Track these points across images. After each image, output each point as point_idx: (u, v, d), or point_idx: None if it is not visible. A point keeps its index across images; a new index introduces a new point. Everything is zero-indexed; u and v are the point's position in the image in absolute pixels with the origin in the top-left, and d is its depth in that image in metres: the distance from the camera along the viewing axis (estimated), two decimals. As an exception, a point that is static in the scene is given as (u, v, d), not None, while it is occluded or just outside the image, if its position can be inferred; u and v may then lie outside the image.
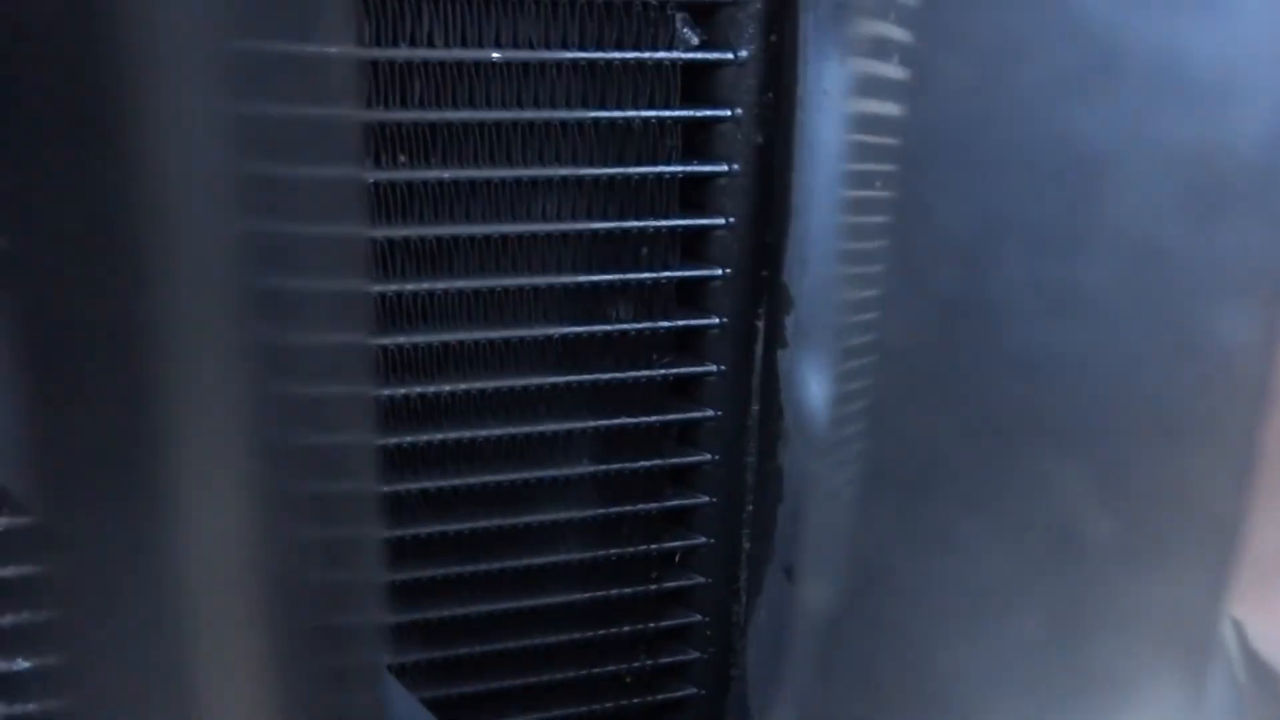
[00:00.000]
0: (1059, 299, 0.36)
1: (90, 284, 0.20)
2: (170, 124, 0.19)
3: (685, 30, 0.57)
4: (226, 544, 0.24)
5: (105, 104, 0.19)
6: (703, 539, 0.65)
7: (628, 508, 0.63)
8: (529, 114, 0.54)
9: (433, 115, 0.53)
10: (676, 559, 0.66)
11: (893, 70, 0.42)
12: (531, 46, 0.54)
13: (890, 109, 0.43)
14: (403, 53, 0.51)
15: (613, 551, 0.64)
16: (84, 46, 0.18)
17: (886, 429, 0.46)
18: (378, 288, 0.54)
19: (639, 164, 0.57)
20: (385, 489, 0.58)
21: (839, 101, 0.49)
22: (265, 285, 0.24)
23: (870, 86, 0.45)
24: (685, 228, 0.59)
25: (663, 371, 0.61)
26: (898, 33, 0.41)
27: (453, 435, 0.58)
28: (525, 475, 0.60)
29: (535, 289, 0.58)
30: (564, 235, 0.57)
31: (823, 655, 0.50)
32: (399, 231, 0.54)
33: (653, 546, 0.65)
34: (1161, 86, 0.33)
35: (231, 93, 0.20)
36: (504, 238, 0.56)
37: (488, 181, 0.55)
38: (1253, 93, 0.32)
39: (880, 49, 0.43)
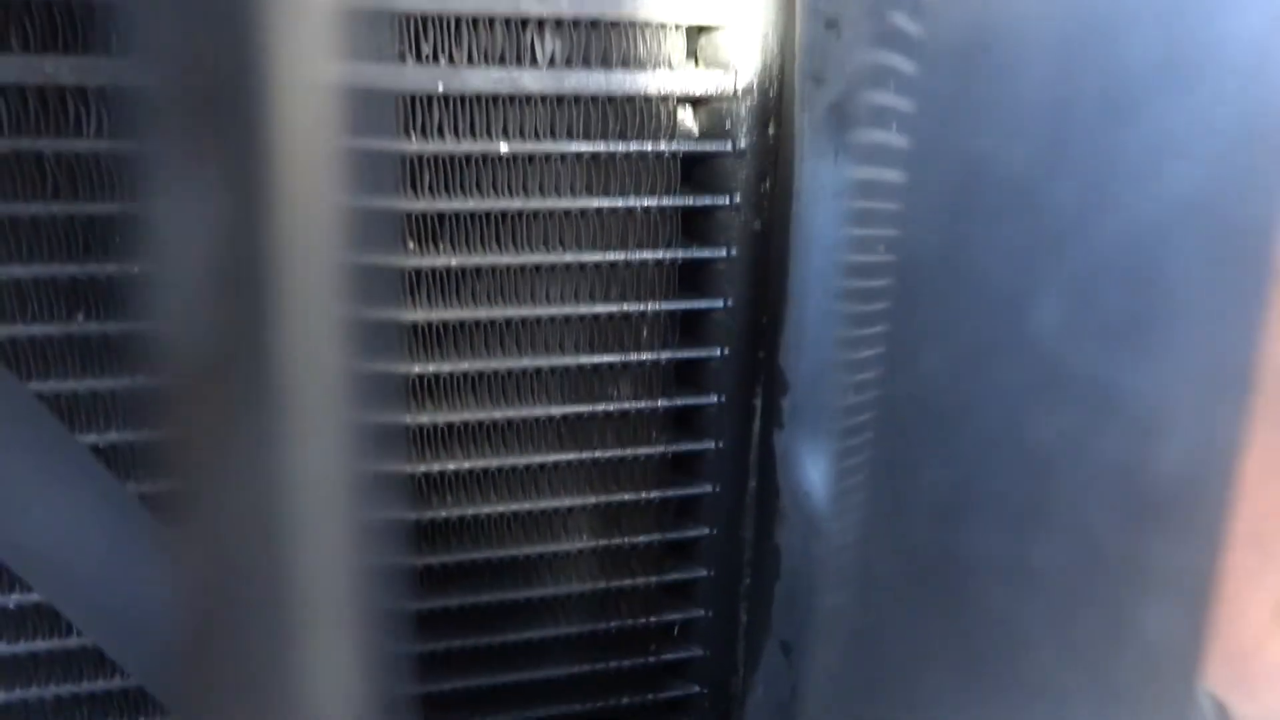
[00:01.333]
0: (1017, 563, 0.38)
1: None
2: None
3: (686, 121, 0.59)
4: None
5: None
6: (701, 612, 0.66)
7: (627, 581, 0.64)
8: (534, 202, 0.56)
9: (441, 204, 0.55)
10: (675, 632, 0.67)
11: (887, 173, 0.44)
12: (538, 138, 0.56)
13: (884, 207, 0.45)
14: (413, 146, 0.53)
15: (612, 624, 0.65)
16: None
17: (883, 514, 0.48)
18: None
19: (640, 249, 0.58)
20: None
21: (834, 197, 0.51)
22: None
23: (864, 187, 0.47)
24: (684, 310, 0.61)
25: (662, 448, 0.62)
26: (893, 139, 0.43)
27: (455, 512, 0.59)
28: (526, 551, 0.61)
29: (538, 369, 0.59)
30: (567, 318, 0.59)
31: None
32: (407, 315, 0.55)
33: (651, 619, 0.65)
34: (1099, 407, 0.35)
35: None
36: (508, 320, 0.58)
37: (493, 266, 0.57)
38: (1181, 425, 0.35)
39: (875, 153, 0.45)
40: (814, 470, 0.55)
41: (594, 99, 0.56)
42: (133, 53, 0.20)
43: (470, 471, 0.59)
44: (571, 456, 0.61)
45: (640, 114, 0.57)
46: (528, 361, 0.58)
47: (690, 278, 0.62)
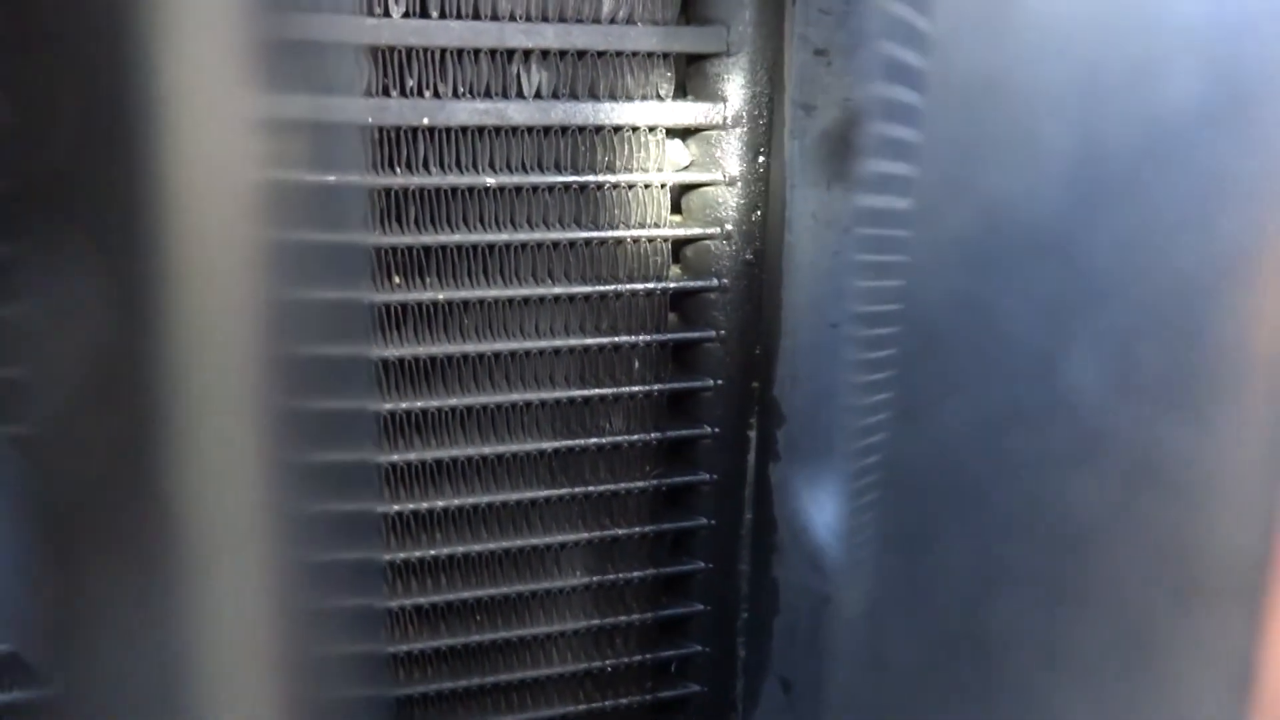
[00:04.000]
0: (1049, 641, 0.36)
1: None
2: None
3: (675, 151, 0.58)
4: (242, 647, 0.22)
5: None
6: (698, 648, 0.65)
7: (622, 618, 0.63)
8: (522, 235, 0.55)
9: (428, 238, 0.54)
10: (672, 669, 0.66)
11: (883, 203, 0.43)
12: (525, 170, 0.55)
13: (879, 235, 0.44)
14: (399, 180, 0.52)
15: (608, 662, 0.63)
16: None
17: (891, 548, 0.46)
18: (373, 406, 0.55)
19: (630, 280, 0.58)
20: (379, 605, 0.58)
21: (826, 226, 0.51)
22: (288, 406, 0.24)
23: (859, 216, 0.47)
24: (676, 341, 0.60)
25: (655, 482, 0.61)
26: (889, 168, 0.42)
27: (446, 550, 0.58)
28: (519, 588, 0.60)
29: (528, 403, 0.58)
30: (556, 351, 0.58)
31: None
32: (394, 351, 0.54)
33: (648, 656, 0.64)
34: (1142, 473, 0.33)
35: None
36: (497, 354, 0.57)
37: (481, 300, 0.56)
38: (1230, 495, 0.33)
39: (869, 183, 0.44)
40: (812, 504, 0.54)
41: (581, 130, 0.55)
42: None
43: (460, 508, 0.58)
44: (563, 491, 0.59)
45: (628, 145, 0.56)
46: (518, 396, 0.57)
47: (682, 309, 0.61)
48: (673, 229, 0.58)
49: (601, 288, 0.57)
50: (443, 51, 0.52)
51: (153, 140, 0.16)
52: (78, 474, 0.17)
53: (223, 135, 0.17)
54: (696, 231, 0.58)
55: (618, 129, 0.56)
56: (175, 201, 0.17)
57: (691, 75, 0.58)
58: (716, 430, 0.61)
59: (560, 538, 0.60)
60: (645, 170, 0.57)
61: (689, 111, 0.56)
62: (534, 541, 0.60)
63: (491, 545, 0.59)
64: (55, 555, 0.18)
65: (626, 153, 0.56)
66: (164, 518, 0.17)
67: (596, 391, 0.58)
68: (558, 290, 0.56)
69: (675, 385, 0.60)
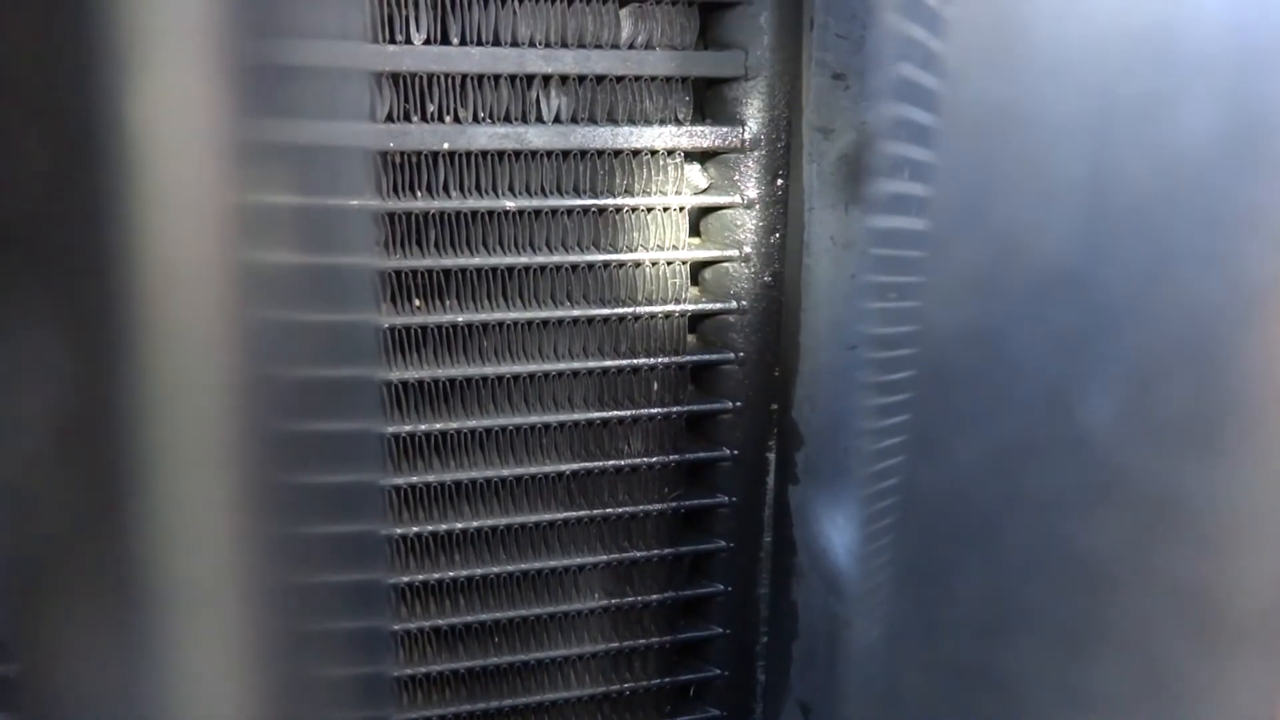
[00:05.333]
0: (1069, 689, 0.35)
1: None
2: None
3: (693, 174, 0.58)
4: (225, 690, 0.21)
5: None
6: (717, 672, 0.64)
7: (640, 641, 0.63)
8: (541, 258, 0.56)
9: (448, 261, 0.54)
10: (691, 693, 0.65)
11: (899, 223, 0.43)
12: (544, 194, 0.55)
13: (897, 257, 0.44)
14: (419, 204, 0.53)
15: (626, 686, 0.63)
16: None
17: (909, 573, 0.46)
18: (392, 429, 0.55)
19: (649, 303, 0.58)
20: (397, 627, 0.58)
21: (844, 249, 0.51)
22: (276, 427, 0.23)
23: (877, 239, 0.47)
24: (695, 363, 0.60)
25: (674, 504, 0.61)
26: (908, 189, 0.42)
27: (464, 573, 0.58)
28: (537, 611, 0.60)
29: (547, 425, 0.58)
30: (575, 373, 0.58)
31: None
32: (413, 373, 0.55)
33: (666, 680, 0.64)
34: (1161, 511, 0.32)
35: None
36: (516, 376, 0.57)
37: (500, 322, 0.56)
38: (1252, 534, 0.32)
39: (888, 205, 0.44)
40: (831, 527, 0.54)
41: (600, 154, 0.55)
42: None
43: (479, 530, 0.58)
44: (582, 514, 0.59)
45: (647, 168, 0.56)
46: (536, 418, 0.57)
47: (700, 331, 0.61)
48: (691, 251, 0.58)
49: (620, 310, 0.57)
50: (463, 77, 0.53)
51: (122, 179, 0.16)
52: (46, 526, 0.17)
53: (195, 169, 0.16)
54: (715, 254, 0.59)
55: (636, 153, 0.56)
56: (144, 250, 0.16)
57: (710, 99, 0.58)
58: (735, 453, 0.61)
59: (579, 560, 0.60)
60: (664, 193, 0.57)
61: (707, 135, 0.57)
62: (552, 564, 0.60)
63: (510, 567, 0.59)
64: (26, 606, 0.17)
65: (645, 176, 0.56)
66: (133, 571, 0.16)
67: (615, 414, 0.59)
68: (576, 313, 0.57)
69: (694, 408, 0.60)
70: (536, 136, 0.54)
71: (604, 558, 0.61)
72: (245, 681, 0.19)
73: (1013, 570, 0.38)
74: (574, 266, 0.57)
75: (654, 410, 0.59)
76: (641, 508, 0.60)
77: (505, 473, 0.58)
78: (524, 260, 0.55)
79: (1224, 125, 0.31)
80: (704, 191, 0.58)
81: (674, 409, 0.60)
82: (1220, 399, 0.33)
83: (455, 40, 0.52)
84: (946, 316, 0.37)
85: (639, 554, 0.61)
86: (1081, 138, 0.33)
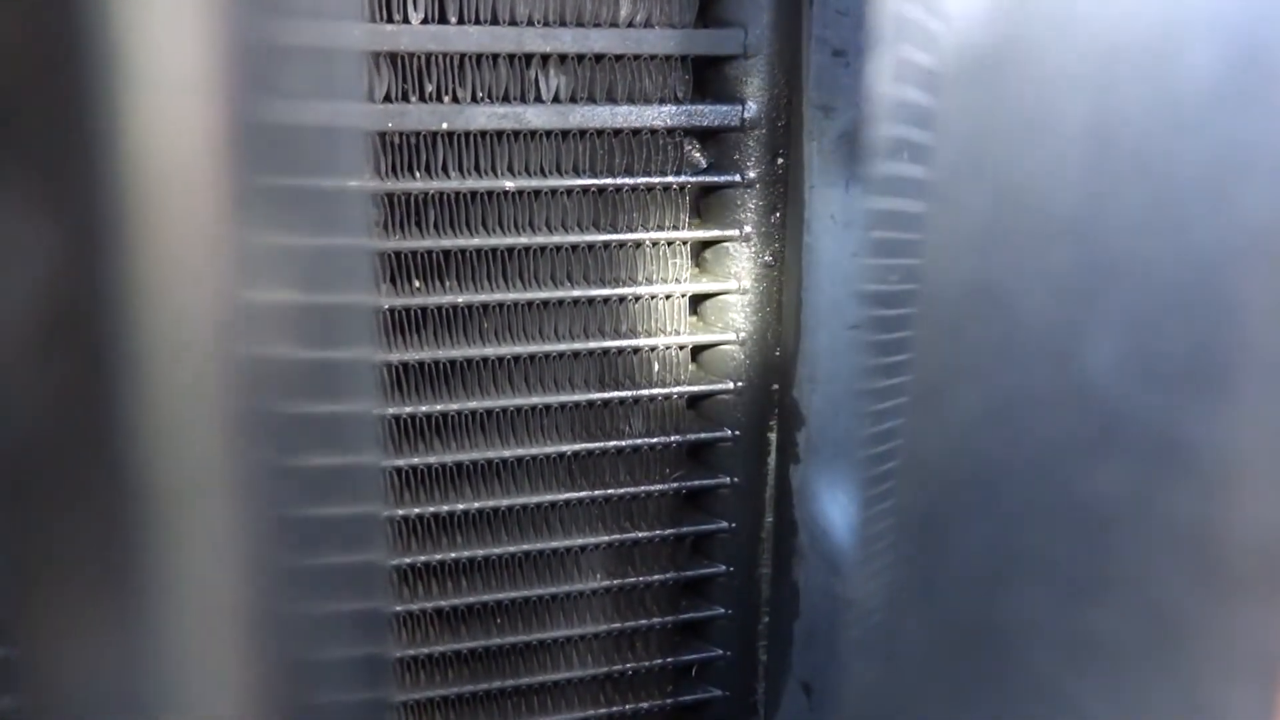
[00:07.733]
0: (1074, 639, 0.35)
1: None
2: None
3: (693, 153, 0.58)
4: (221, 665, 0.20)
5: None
6: (719, 652, 0.65)
7: (642, 621, 0.63)
8: (540, 238, 0.55)
9: (447, 242, 0.54)
10: (693, 673, 0.65)
11: (904, 202, 0.43)
12: (544, 174, 0.55)
13: (902, 237, 0.44)
14: (418, 184, 0.53)
15: (628, 666, 0.63)
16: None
17: (911, 549, 0.46)
18: (392, 410, 0.55)
19: (650, 283, 0.58)
20: (399, 608, 0.58)
21: (845, 227, 0.50)
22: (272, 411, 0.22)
23: (879, 217, 0.46)
24: (696, 343, 0.60)
25: (675, 485, 0.61)
26: (909, 168, 0.42)
27: (466, 554, 0.58)
28: (539, 592, 0.60)
29: (548, 406, 0.58)
30: (576, 354, 0.58)
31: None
32: (413, 355, 0.55)
33: (668, 660, 0.64)
34: (1164, 458, 0.32)
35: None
36: (517, 357, 0.57)
37: (500, 303, 0.56)
38: (1255, 480, 0.32)
39: (890, 183, 0.44)
40: (833, 506, 0.54)
41: (599, 133, 0.55)
42: None
43: (480, 511, 0.58)
44: (583, 494, 0.59)
45: (647, 147, 0.56)
46: (537, 399, 0.57)
47: (701, 311, 0.61)
48: (692, 231, 0.58)
49: (621, 290, 0.57)
50: (462, 57, 0.52)
51: (110, 59, 0.15)
52: (29, 421, 0.16)
53: (188, 141, 0.16)
54: (715, 234, 0.58)
55: (636, 132, 0.56)
56: (133, 132, 0.15)
57: (709, 78, 0.58)
58: (737, 433, 0.61)
59: (580, 541, 0.60)
60: (663, 173, 0.57)
61: (707, 114, 0.56)
62: (554, 544, 0.60)
63: (511, 548, 0.59)
64: (9, 507, 0.16)
65: (645, 156, 0.56)
66: (118, 468, 0.16)
67: (616, 394, 0.59)
68: (576, 293, 0.56)
69: (695, 388, 0.60)
70: (535, 116, 0.54)
71: (605, 538, 0.61)
72: (242, 660, 0.18)
73: (1013, 544, 0.38)
74: (574, 247, 0.56)
75: (655, 391, 0.59)
76: (643, 488, 0.60)
77: (506, 453, 0.57)
78: (524, 241, 0.55)
79: (1225, 72, 0.31)
80: (704, 171, 0.58)
81: (675, 389, 0.60)
82: (1222, 343, 0.32)
83: (453, 19, 0.52)
84: (949, 278, 0.37)
85: (640, 534, 0.61)
86: (1083, 88, 0.32)
